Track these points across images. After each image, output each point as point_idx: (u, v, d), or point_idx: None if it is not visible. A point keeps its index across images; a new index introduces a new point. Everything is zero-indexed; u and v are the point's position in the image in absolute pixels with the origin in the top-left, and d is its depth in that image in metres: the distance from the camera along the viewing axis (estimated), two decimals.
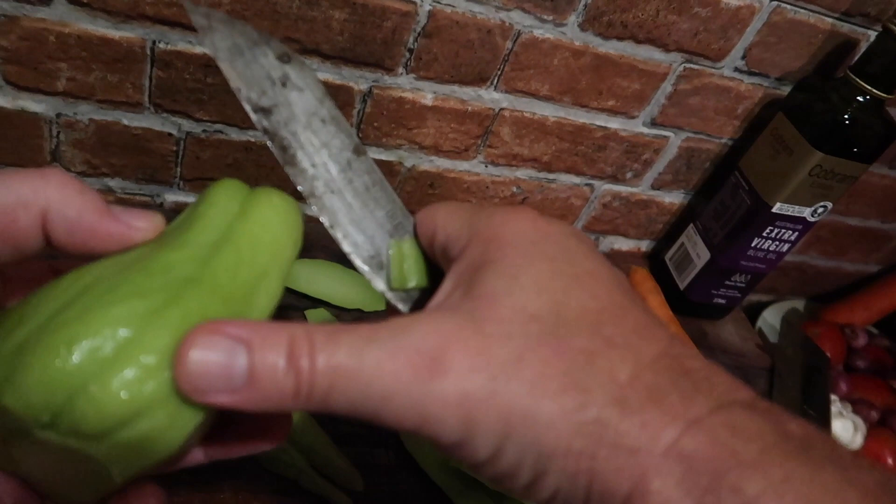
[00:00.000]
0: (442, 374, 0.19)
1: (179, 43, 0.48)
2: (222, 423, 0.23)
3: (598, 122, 0.62)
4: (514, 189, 0.66)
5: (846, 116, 0.56)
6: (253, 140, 0.55)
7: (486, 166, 0.63)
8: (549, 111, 0.60)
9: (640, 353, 0.20)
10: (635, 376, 0.19)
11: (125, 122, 0.52)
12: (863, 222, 0.83)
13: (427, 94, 0.56)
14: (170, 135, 0.53)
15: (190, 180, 0.57)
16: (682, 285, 0.70)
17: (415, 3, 0.50)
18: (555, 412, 0.19)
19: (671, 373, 0.20)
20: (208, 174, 0.57)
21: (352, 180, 0.26)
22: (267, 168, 0.57)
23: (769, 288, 0.89)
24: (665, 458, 0.18)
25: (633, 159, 0.67)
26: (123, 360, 0.19)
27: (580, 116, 0.61)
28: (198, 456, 0.24)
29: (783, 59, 0.62)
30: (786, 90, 0.64)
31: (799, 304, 0.91)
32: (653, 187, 0.71)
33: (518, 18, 0.53)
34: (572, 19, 0.54)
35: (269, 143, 0.24)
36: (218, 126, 0.54)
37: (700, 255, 0.68)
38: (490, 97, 0.58)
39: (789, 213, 0.62)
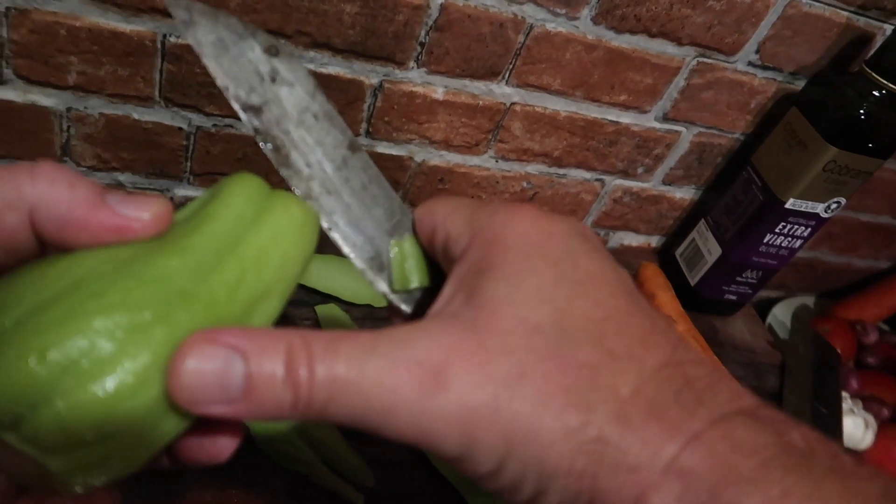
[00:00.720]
0: (443, 388, 0.19)
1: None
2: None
3: (609, 117, 0.62)
4: (525, 184, 0.66)
5: (861, 111, 0.55)
6: None
7: (497, 161, 0.63)
8: (560, 106, 0.60)
9: (642, 364, 0.20)
10: (637, 390, 0.19)
11: (135, 116, 0.51)
12: (875, 218, 0.83)
13: (438, 88, 0.56)
14: (180, 129, 0.53)
15: (200, 175, 0.57)
16: (692, 281, 0.70)
17: None
18: (557, 432, 0.19)
19: (674, 383, 0.20)
20: (218, 169, 0.56)
21: (348, 179, 0.25)
22: None
23: (779, 284, 0.89)
24: (665, 475, 0.18)
25: (644, 154, 0.66)
26: (97, 378, 0.18)
27: (592, 111, 0.61)
28: (163, 462, 0.22)
29: (798, 53, 0.61)
30: (800, 84, 0.64)
31: (809, 300, 0.90)
32: (664, 182, 0.70)
33: (531, 12, 0.52)
34: (585, 13, 0.53)
35: (261, 144, 0.23)
36: (228, 120, 0.53)
37: (711, 250, 0.68)
38: (501, 91, 0.57)
39: (802, 209, 0.61)
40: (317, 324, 0.52)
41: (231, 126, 0.54)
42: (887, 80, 0.55)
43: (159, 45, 0.48)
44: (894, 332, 0.88)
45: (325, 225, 0.24)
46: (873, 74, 0.55)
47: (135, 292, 0.19)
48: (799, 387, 0.67)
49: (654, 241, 0.77)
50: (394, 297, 0.26)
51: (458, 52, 0.54)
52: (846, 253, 0.88)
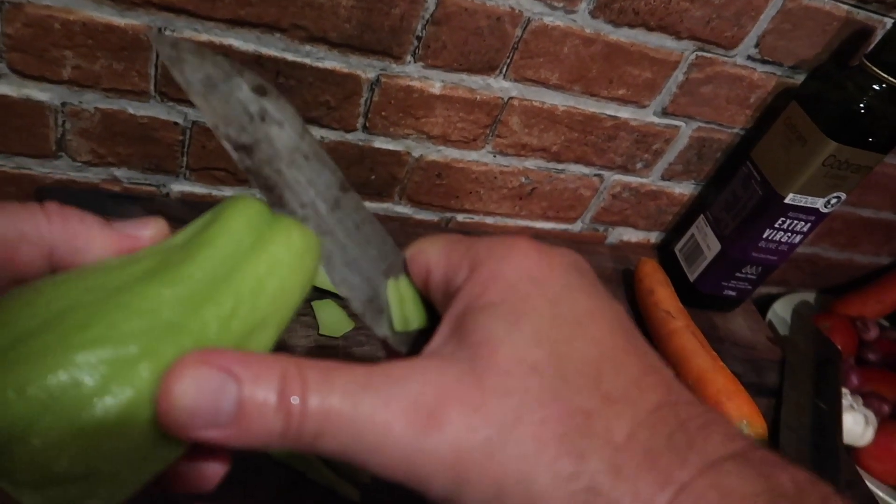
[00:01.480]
0: (437, 429, 0.19)
1: (185, 30, 0.48)
2: None
3: (608, 112, 0.62)
4: (523, 179, 0.65)
5: (861, 105, 0.55)
6: None
7: (495, 156, 0.63)
8: (558, 100, 0.59)
9: (637, 408, 0.20)
10: (631, 435, 0.19)
11: (131, 110, 0.51)
12: (876, 214, 0.82)
13: (435, 82, 0.55)
14: (176, 124, 0.53)
15: (196, 170, 0.56)
16: (692, 277, 0.69)
17: None
18: (549, 481, 0.19)
19: (667, 426, 0.20)
20: (214, 164, 0.56)
21: (342, 219, 0.25)
22: None
23: (780, 280, 0.89)
24: None
25: (643, 149, 0.66)
26: (78, 414, 0.17)
27: (590, 106, 0.61)
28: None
29: (797, 46, 0.61)
30: (800, 79, 0.63)
31: (810, 296, 0.90)
32: (663, 178, 0.70)
33: (528, 5, 0.52)
34: (583, 6, 0.53)
35: (253, 183, 0.23)
36: None
37: (710, 246, 0.68)
38: (499, 86, 0.57)
39: (802, 204, 0.61)
40: (313, 319, 0.52)
41: None
42: (887, 74, 0.54)
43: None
44: (895, 328, 0.87)
45: (322, 263, 0.24)
46: (873, 68, 0.55)
47: (121, 325, 0.18)
48: (799, 383, 0.67)
49: (654, 236, 0.77)
50: (394, 340, 0.25)
51: (456, 46, 0.53)
52: (847, 249, 0.87)
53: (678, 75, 0.60)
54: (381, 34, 0.51)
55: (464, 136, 0.60)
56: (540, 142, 0.62)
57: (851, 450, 0.71)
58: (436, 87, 0.56)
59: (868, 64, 0.55)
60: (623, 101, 0.61)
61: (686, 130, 0.65)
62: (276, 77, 0.51)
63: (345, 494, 0.42)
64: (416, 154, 0.60)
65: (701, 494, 0.19)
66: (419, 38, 0.52)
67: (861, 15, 0.59)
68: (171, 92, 0.51)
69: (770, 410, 0.63)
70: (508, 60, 0.55)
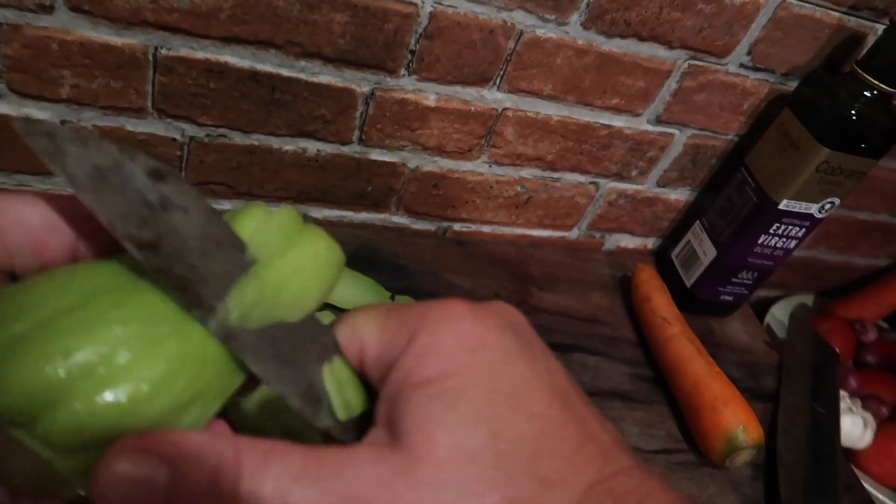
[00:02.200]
0: None
1: (181, 48, 0.48)
2: None
3: (602, 121, 0.62)
4: (519, 188, 0.66)
5: (853, 112, 0.55)
6: (257, 143, 0.55)
7: (491, 166, 0.63)
8: (552, 110, 0.60)
9: (573, 489, 0.20)
10: None
11: (129, 127, 0.52)
12: (873, 216, 0.83)
13: (430, 95, 0.56)
14: (174, 140, 0.53)
15: (195, 184, 0.57)
16: (688, 283, 0.70)
17: (416, 5, 0.50)
18: None
19: None
20: (213, 178, 0.57)
21: None
22: (271, 171, 0.57)
23: (778, 283, 0.89)
24: None
25: (638, 157, 0.66)
26: (115, 384, 0.19)
27: (584, 115, 0.61)
28: None
29: (789, 54, 0.61)
30: (792, 86, 0.64)
31: (808, 299, 0.90)
32: (658, 185, 0.70)
33: (520, 18, 0.53)
34: (575, 18, 0.54)
35: (164, 286, 0.20)
36: (221, 130, 0.54)
37: (706, 252, 0.68)
38: (493, 97, 0.58)
39: (796, 210, 0.61)
40: None
41: (224, 136, 0.54)
42: (879, 81, 0.55)
43: (151, 58, 0.48)
44: (894, 330, 0.87)
45: (251, 363, 0.21)
46: (864, 75, 0.55)
47: (153, 305, 0.20)
48: (797, 387, 0.67)
49: (650, 243, 0.77)
50: (336, 430, 0.23)
51: (449, 59, 0.54)
52: (845, 251, 0.88)
53: (671, 84, 0.61)
54: (374, 49, 0.52)
55: (459, 146, 0.60)
56: (535, 151, 0.63)
57: (850, 452, 0.71)
58: (430, 100, 0.56)
59: (859, 71, 0.56)
60: (617, 110, 0.61)
61: (680, 138, 0.66)
62: (272, 92, 0.52)
63: None
64: (412, 165, 0.61)
65: None
66: (413, 52, 0.53)
67: (852, 22, 0.60)
68: (169, 109, 0.51)
69: (767, 415, 0.64)
70: (502, 72, 0.56)
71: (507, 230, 0.70)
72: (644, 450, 0.56)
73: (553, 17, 0.53)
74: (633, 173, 0.68)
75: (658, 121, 0.64)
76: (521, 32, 0.54)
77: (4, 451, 0.20)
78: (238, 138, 0.55)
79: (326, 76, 0.52)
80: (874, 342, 0.82)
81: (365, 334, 0.23)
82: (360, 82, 0.54)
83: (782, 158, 0.60)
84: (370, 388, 0.24)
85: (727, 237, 0.66)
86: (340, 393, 0.23)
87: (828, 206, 0.61)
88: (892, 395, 0.76)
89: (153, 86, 0.50)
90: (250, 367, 0.21)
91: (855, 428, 0.70)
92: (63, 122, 0.50)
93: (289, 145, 0.56)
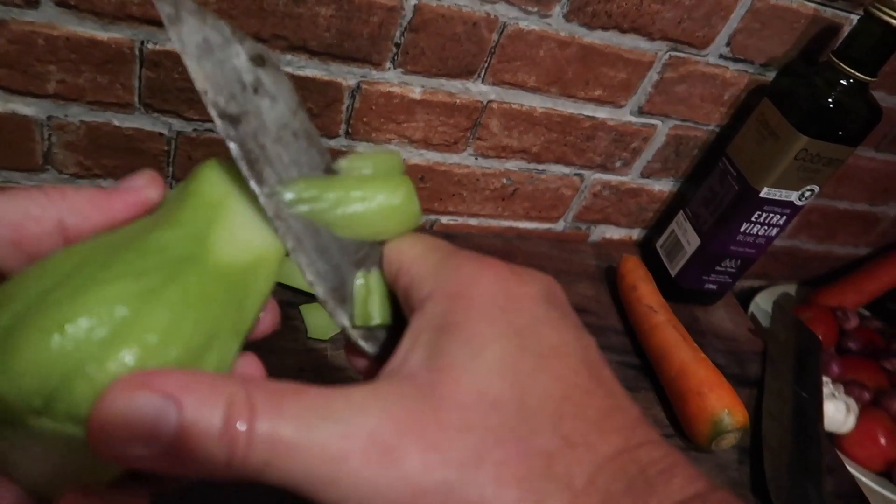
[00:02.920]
0: (394, 465, 0.18)
1: (168, 43, 0.49)
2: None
3: (585, 112, 0.63)
4: (505, 181, 0.67)
5: (830, 100, 0.57)
6: None
7: (476, 159, 0.64)
8: (536, 102, 0.61)
9: (597, 452, 0.20)
10: (591, 481, 0.19)
11: (116, 122, 0.52)
12: (852, 206, 0.84)
13: (415, 87, 0.57)
14: (161, 134, 0.54)
15: (182, 180, 0.57)
16: (673, 272, 0.71)
17: None
18: None
19: (627, 472, 0.20)
20: None
21: None
22: None
23: (761, 273, 0.90)
24: None
25: (621, 148, 0.67)
26: (122, 340, 0.18)
27: (568, 107, 0.62)
28: None
29: (767, 45, 0.62)
30: (771, 76, 0.65)
31: (790, 288, 0.91)
32: (642, 176, 0.71)
33: (503, 10, 0.53)
34: (557, 10, 0.54)
35: (233, 152, 0.21)
36: (208, 125, 0.54)
37: (690, 241, 0.69)
38: (478, 90, 0.58)
39: (777, 198, 0.62)
40: (302, 323, 0.53)
41: (211, 130, 0.54)
42: (854, 70, 0.56)
43: (137, 52, 0.48)
44: (875, 317, 0.89)
45: (289, 245, 0.22)
46: (840, 64, 0.56)
47: (138, 262, 0.19)
48: (781, 372, 0.69)
49: (635, 233, 0.78)
50: (353, 333, 0.24)
51: (434, 51, 0.54)
52: (825, 241, 0.89)
53: (653, 75, 0.62)
54: (360, 42, 0.52)
55: (445, 139, 0.61)
56: (520, 143, 0.64)
57: (834, 437, 0.72)
58: (416, 93, 0.57)
59: (836, 60, 0.57)
60: (600, 101, 0.62)
61: (663, 129, 0.67)
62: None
63: None
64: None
65: None
66: (398, 45, 0.53)
67: (828, 13, 0.61)
68: (156, 103, 0.52)
69: (752, 401, 0.65)
70: (486, 65, 0.57)
71: (493, 223, 0.71)
72: None
73: (535, 9, 0.54)
74: (618, 164, 0.69)
75: (641, 112, 0.65)
76: (505, 25, 0.54)
77: (26, 451, 0.19)
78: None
79: (312, 70, 0.53)
80: (856, 329, 0.84)
81: (405, 260, 0.24)
82: (345, 76, 0.54)
83: (762, 147, 0.61)
84: (399, 308, 0.24)
85: (710, 226, 0.67)
86: (364, 301, 0.24)
87: (807, 194, 0.63)
88: (873, 381, 0.77)
89: (140, 80, 0.50)
90: (289, 251, 0.22)
91: (838, 413, 0.71)
92: (49, 118, 0.50)
93: None
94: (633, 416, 0.21)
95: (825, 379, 0.71)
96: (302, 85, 0.53)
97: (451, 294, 0.22)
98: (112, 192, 0.22)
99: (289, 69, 0.52)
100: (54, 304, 0.18)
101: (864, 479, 0.70)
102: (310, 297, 0.55)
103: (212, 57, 0.22)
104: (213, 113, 0.21)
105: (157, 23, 0.47)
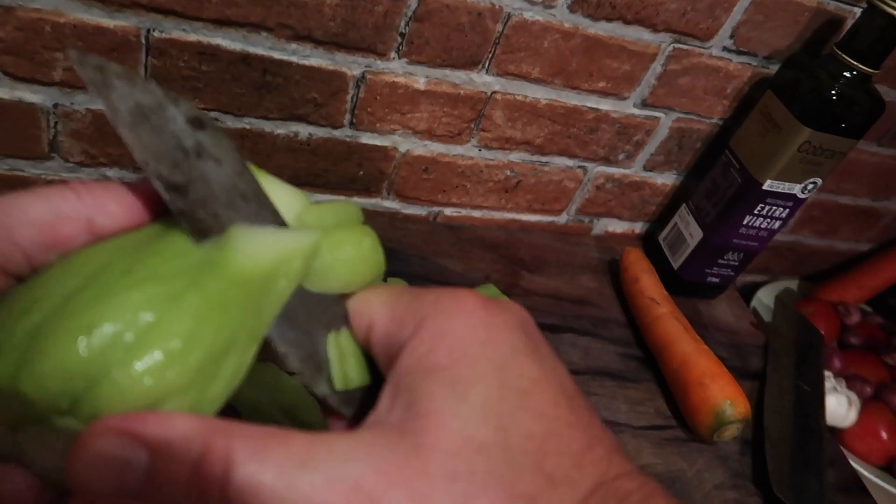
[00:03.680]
0: None
1: (174, 31, 0.49)
2: None
3: (589, 104, 0.63)
4: (508, 172, 0.67)
5: (833, 92, 0.57)
6: (248, 127, 0.56)
7: (480, 150, 0.64)
8: (540, 94, 0.61)
9: (578, 489, 0.20)
10: None
11: None
12: (854, 201, 0.84)
13: (419, 78, 0.57)
14: None
15: None
16: (675, 265, 0.71)
17: None
18: None
19: None
20: None
21: None
22: (263, 155, 0.58)
23: (763, 268, 0.90)
24: None
25: (624, 141, 0.67)
26: (147, 345, 0.18)
27: (571, 98, 0.62)
28: None
29: (771, 37, 0.62)
30: (774, 68, 0.65)
31: (792, 283, 0.92)
32: (645, 168, 0.71)
33: (508, 1, 0.54)
34: (561, 1, 0.55)
35: (183, 226, 0.21)
36: (214, 113, 0.54)
37: (693, 234, 0.69)
38: (482, 80, 0.59)
39: (780, 190, 0.62)
40: None
41: (217, 119, 0.55)
42: (857, 62, 0.56)
43: (143, 40, 0.49)
44: (876, 312, 0.89)
45: None
46: (844, 56, 0.57)
47: (161, 266, 0.20)
48: (782, 366, 0.69)
49: (638, 227, 0.78)
50: (334, 400, 0.23)
51: (438, 42, 0.55)
52: (827, 236, 0.89)
53: (656, 67, 0.62)
54: (365, 31, 0.52)
55: (449, 130, 0.61)
56: (524, 135, 0.64)
57: (835, 431, 0.72)
58: (420, 83, 0.57)
59: (839, 52, 0.57)
60: (603, 93, 0.63)
61: (666, 121, 0.67)
62: (264, 75, 0.53)
63: None
64: (402, 149, 0.62)
65: None
66: (403, 35, 0.53)
67: (831, 5, 0.61)
68: None
69: (754, 393, 0.65)
70: (490, 55, 0.57)
71: (497, 215, 0.71)
72: (634, 426, 0.57)
73: (540, 0, 0.54)
74: (621, 157, 0.69)
75: (644, 104, 0.65)
76: (509, 15, 0.54)
77: (47, 447, 0.19)
78: (230, 122, 0.55)
79: (317, 59, 0.53)
80: (857, 324, 0.84)
81: (375, 311, 0.23)
82: (350, 65, 0.54)
83: (765, 140, 0.62)
84: (374, 366, 0.24)
85: (713, 219, 0.67)
86: (341, 363, 0.23)
87: (810, 187, 0.63)
88: (875, 375, 0.77)
89: (146, 68, 0.50)
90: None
91: (840, 407, 0.71)
92: (55, 106, 0.51)
93: (280, 129, 0.57)
94: (608, 446, 0.22)
95: (827, 373, 0.71)
96: (307, 74, 0.54)
97: (432, 333, 0.22)
98: (136, 190, 0.22)
99: (294, 58, 0.52)
100: (80, 307, 0.18)
101: (865, 472, 0.70)
102: None
103: (147, 124, 0.20)
104: (157, 185, 0.20)
105: (164, 10, 0.48)
